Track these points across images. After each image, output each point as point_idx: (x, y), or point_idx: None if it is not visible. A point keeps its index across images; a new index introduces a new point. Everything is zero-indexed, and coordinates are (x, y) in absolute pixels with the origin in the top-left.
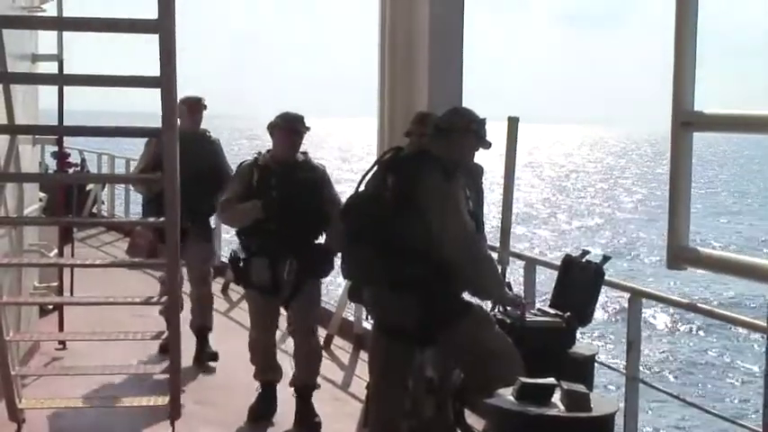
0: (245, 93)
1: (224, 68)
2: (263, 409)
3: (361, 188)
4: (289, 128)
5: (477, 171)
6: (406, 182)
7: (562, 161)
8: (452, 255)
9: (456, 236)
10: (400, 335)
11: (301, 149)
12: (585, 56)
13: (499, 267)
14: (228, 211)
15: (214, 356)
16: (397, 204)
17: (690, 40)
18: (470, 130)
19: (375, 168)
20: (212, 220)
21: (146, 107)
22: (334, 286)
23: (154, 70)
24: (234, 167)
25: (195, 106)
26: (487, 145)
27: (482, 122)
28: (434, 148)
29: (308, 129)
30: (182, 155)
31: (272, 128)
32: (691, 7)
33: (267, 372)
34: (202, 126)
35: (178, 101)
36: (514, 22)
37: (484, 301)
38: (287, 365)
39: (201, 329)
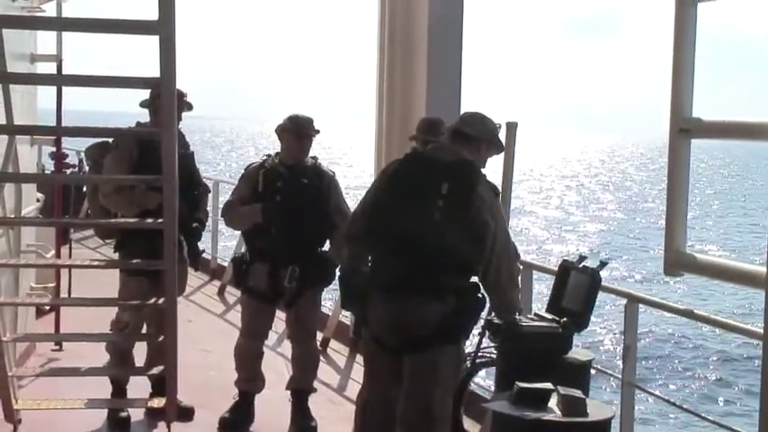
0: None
1: (220, 69)
2: (234, 420)
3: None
4: (297, 131)
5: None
6: (464, 192)
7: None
8: (496, 272)
9: (504, 256)
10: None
11: (311, 154)
12: (587, 63)
13: None
14: (229, 214)
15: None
16: (450, 214)
17: (688, 46)
18: (495, 140)
19: (397, 174)
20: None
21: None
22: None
23: (153, 69)
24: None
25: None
26: (502, 151)
27: (499, 131)
28: (467, 156)
29: (317, 132)
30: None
31: (281, 131)
32: (689, 14)
33: (248, 382)
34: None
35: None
36: (516, 26)
37: (502, 318)
38: (284, 369)
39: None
